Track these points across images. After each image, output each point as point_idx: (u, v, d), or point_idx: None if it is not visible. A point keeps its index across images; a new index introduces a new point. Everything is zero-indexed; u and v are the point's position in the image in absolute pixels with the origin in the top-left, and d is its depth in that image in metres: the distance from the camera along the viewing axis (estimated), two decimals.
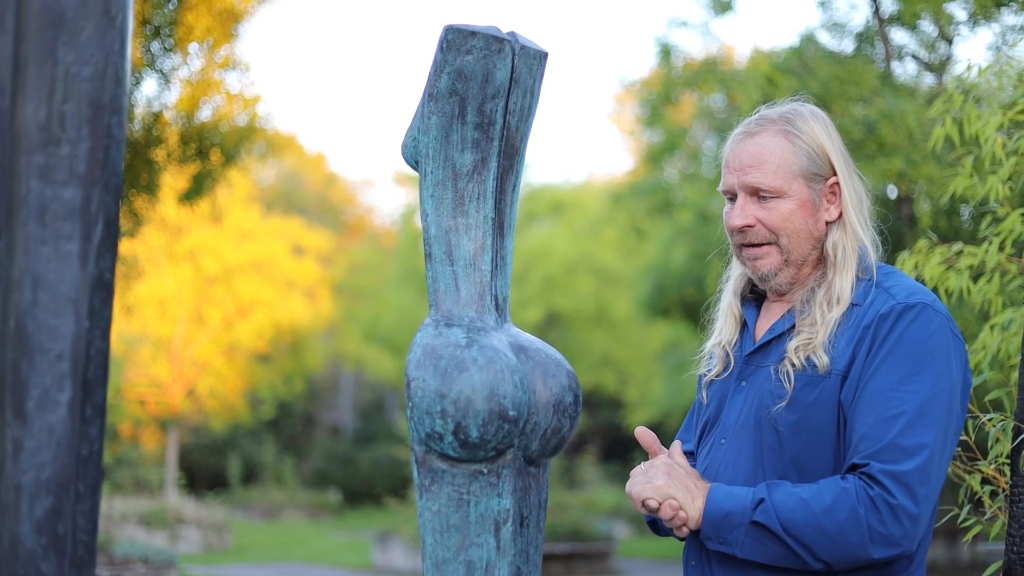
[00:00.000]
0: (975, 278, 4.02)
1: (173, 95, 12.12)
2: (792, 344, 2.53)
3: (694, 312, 15.69)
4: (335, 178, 39.97)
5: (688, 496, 2.46)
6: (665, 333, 21.93)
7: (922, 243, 4.07)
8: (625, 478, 26.65)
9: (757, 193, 2.57)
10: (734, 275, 2.74)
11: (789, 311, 2.62)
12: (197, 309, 23.33)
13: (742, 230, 2.59)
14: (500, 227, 2.52)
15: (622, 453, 27.67)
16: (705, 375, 2.73)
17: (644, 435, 2.58)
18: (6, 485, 1.68)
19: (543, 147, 52.14)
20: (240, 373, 24.48)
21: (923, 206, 12.95)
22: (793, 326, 2.58)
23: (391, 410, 31.27)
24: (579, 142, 52.66)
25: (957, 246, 4.01)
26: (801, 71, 11.71)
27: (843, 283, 2.55)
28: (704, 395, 2.71)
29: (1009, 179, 3.90)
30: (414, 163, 2.51)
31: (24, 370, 1.69)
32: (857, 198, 2.63)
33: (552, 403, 2.48)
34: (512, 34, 2.48)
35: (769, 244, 2.58)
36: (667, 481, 2.47)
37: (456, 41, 2.43)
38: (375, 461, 28.18)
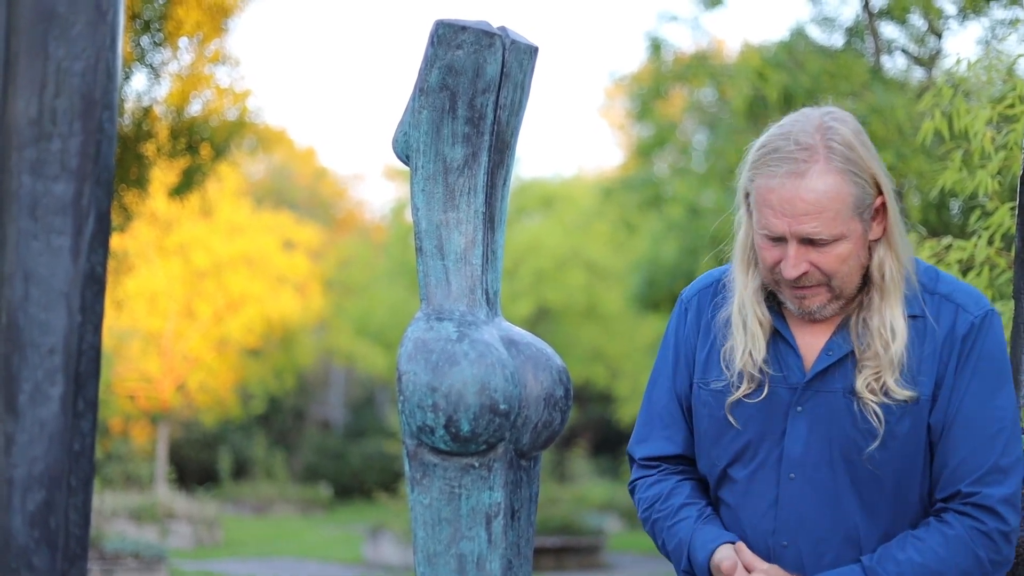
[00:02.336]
0: (964, 272, 4.03)
1: (163, 90, 12.11)
2: (861, 382, 2.41)
3: None
4: (325, 173, 39.93)
5: None
6: (656, 327, 21.93)
7: (912, 237, 4.08)
8: (616, 472, 26.52)
9: (813, 241, 2.39)
10: (751, 284, 2.52)
11: (840, 331, 2.47)
12: (187, 304, 23.29)
13: (796, 278, 2.42)
14: (491, 221, 2.53)
15: (613, 447, 27.69)
16: (721, 390, 2.52)
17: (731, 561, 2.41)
18: None
19: (533, 141, 52.18)
20: (230, 368, 24.44)
21: (913, 200, 12.97)
22: (851, 352, 2.45)
23: (382, 405, 31.26)
24: (569, 136, 52.66)
25: (947, 240, 4.02)
26: (791, 65, 11.72)
27: (895, 313, 2.42)
28: (731, 417, 2.50)
29: (998, 173, 3.91)
30: (405, 158, 2.52)
31: (16, 365, 1.70)
32: (897, 207, 2.47)
33: (543, 397, 2.49)
34: (502, 29, 2.49)
35: (819, 285, 2.43)
36: None
37: (447, 36, 2.43)
38: (366, 456, 28.17)
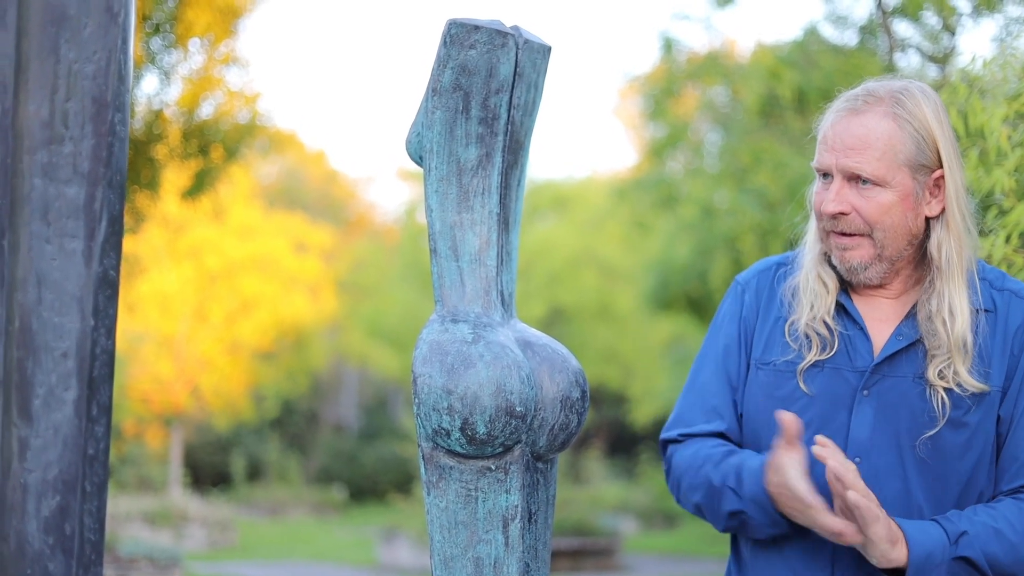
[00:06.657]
0: None
1: (174, 92, 12.12)
2: (933, 370, 2.38)
3: (698, 306, 15.67)
4: (336, 175, 39.96)
5: (889, 539, 2.28)
6: (669, 327, 21.93)
7: None
8: (631, 473, 26.44)
9: (857, 179, 2.39)
10: (816, 248, 2.49)
11: (911, 316, 2.44)
12: (200, 307, 23.32)
13: (834, 216, 2.41)
14: (505, 222, 2.51)
15: (627, 448, 27.65)
16: (783, 367, 2.46)
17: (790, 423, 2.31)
18: (13, 484, 1.67)
19: (546, 142, 52.14)
20: (244, 371, 24.47)
21: None
22: (920, 338, 2.41)
23: (395, 407, 31.28)
24: (583, 137, 52.60)
25: None
26: (804, 64, 11.70)
27: (955, 295, 2.39)
28: (802, 384, 2.44)
29: (1015, 171, 3.88)
30: (418, 159, 2.50)
31: (29, 369, 1.68)
32: (962, 193, 2.45)
33: (559, 399, 2.47)
34: (516, 28, 2.47)
35: (862, 235, 2.41)
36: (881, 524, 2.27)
37: (459, 36, 2.42)
38: (380, 458, 28.19)
